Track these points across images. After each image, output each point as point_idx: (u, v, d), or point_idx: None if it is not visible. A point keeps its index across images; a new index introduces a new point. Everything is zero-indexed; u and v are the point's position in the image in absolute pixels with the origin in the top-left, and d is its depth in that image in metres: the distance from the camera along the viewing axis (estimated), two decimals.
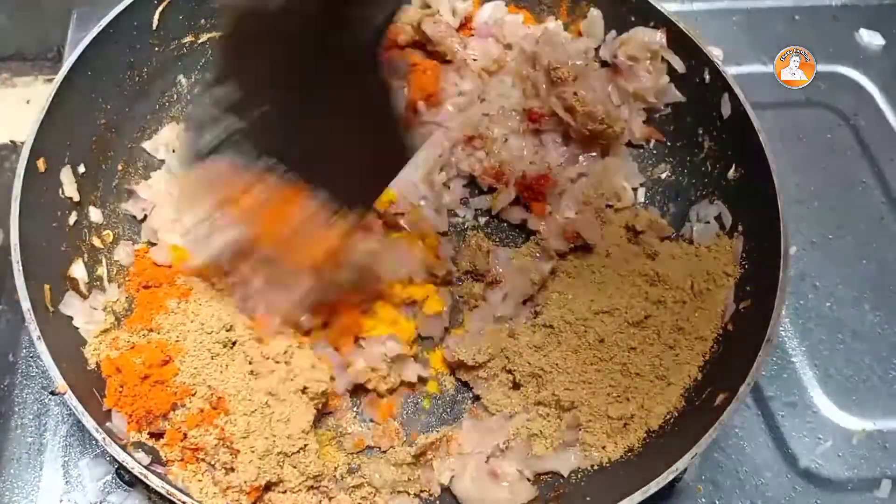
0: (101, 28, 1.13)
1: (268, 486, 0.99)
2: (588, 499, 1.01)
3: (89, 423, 0.91)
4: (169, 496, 0.91)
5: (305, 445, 1.00)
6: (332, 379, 1.07)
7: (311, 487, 1.01)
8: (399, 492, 1.04)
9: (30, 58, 1.59)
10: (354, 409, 1.13)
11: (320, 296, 1.05)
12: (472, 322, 1.17)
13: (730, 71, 1.20)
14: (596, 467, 1.05)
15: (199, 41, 1.30)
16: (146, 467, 0.92)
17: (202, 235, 1.00)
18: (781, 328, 1.24)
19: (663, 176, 1.31)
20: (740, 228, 1.16)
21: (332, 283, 1.04)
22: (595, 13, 1.31)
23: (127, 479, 1.04)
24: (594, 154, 1.29)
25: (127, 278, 1.13)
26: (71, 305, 1.05)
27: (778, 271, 1.03)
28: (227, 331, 1.04)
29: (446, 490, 1.06)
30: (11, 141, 1.42)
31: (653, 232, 1.22)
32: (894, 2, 1.61)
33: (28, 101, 1.51)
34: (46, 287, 1.02)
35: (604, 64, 1.30)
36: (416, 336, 1.16)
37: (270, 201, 0.92)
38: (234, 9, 0.84)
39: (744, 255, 1.14)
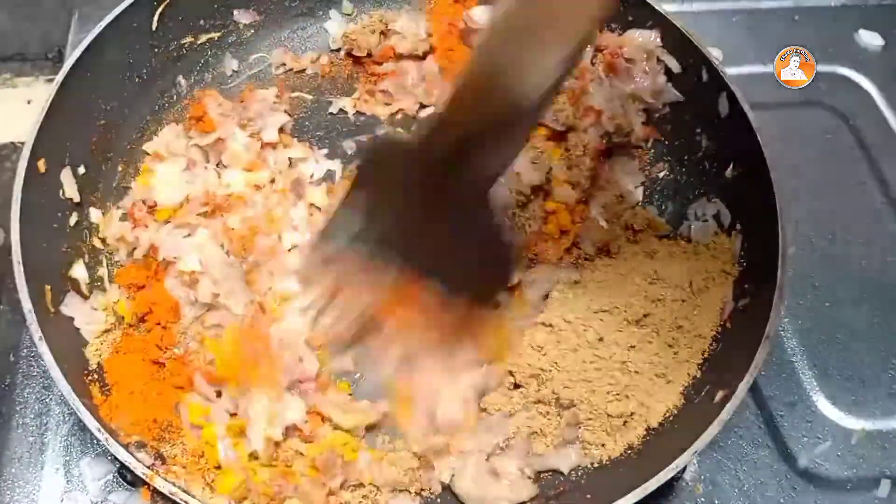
0: (100, 29, 1.14)
1: None
2: (588, 496, 1.01)
3: (91, 423, 0.92)
4: (172, 496, 0.91)
5: None
6: None
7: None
8: (400, 490, 1.04)
9: (31, 58, 1.59)
10: None
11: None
12: None
13: (730, 71, 1.19)
14: (596, 465, 1.06)
15: (199, 42, 1.31)
16: (149, 467, 0.93)
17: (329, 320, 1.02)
18: (781, 328, 1.24)
19: (661, 175, 1.31)
20: (738, 227, 1.16)
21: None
22: None
23: (129, 478, 1.04)
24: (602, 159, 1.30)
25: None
26: (72, 306, 1.05)
27: (776, 269, 1.03)
28: None
29: (447, 488, 1.06)
30: (13, 142, 1.42)
31: (651, 230, 1.22)
32: (894, 2, 1.61)
33: (29, 102, 1.51)
34: (47, 288, 1.02)
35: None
36: None
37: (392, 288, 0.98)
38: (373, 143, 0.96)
39: (742, 254, 1.14)
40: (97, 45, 1.13)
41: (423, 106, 1.35)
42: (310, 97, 1.35)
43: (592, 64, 1.30)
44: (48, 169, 1.06)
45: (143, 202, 1.14)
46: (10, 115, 1.48)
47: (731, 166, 1.19)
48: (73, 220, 1.12)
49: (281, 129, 1.27)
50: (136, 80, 1.23)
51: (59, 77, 1.09)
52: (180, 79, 1.30)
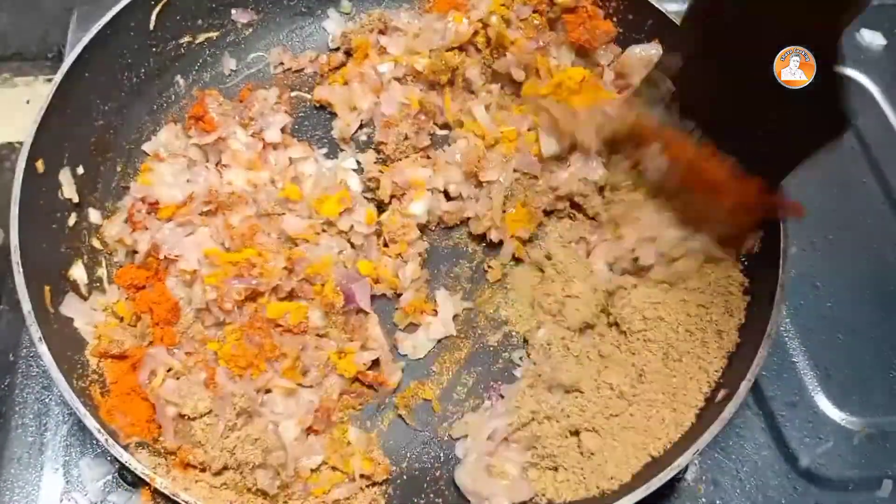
0: (98, 29, 1.14)
1: None
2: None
3: (91, 424, 0.92)
4: (173, 496, 0.91)
5: None
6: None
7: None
8: None
9: (30, 58, 1.59)
10: None
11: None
12: None
13: None
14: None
15: (197, 41, 1.30)
16: (149, 467, 0.93)
17: None
18: (782, 328, 1.23)
19: None
20: None
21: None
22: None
23: (129, 479, 1.04)
24: None
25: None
26: (71, 306, 1.05)
27: (778, 268, 1.03)
28: None
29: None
30: (12, 142, 1.42)
31: None
32: (895, 2, 1.60)
33: (28, 101, 1.51)
34: (46, 288, 1.02)
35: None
36: None
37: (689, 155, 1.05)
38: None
39: (744, 255, 1.14)
40: (95, 44, 1.13)
41: None
42: (309, 96, 1.35)
43: None
44: (47, 169, 1.06)
45: (143, 201, 1.14)
46: (10, 115, 1.48)
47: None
48: (72, 220, 1.12)
49: (282, 129, 1.27)
50: (135, 79, 1.23)
51: (58, 77, 1.09)
52: (178, 78, 1.30)
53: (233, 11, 1.33)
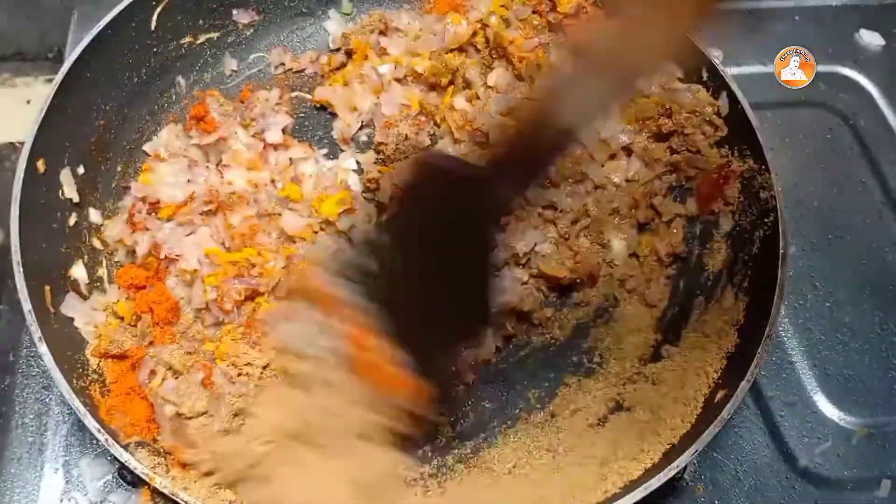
0: (99, 29, 1.13)
1: None
2: None
3: (91, 424, 0.92)
4: (172, 496, 0.91)
5: None
6: None
7: None
8: None
9: (30, 58, 1.59)
10: None
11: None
12: None
13: (730, 71, 1.19)
14: None
15: (198, 42, 1.30)
16: (148, 467, 0.93)
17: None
18: (781, 328, 1.24)
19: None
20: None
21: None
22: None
23: (129, 479, 1.04)
24: None
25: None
26: (71, 306, 1.05)
27: (777, 268, 1.03)
28: None
29: None
30: (12, 142, 1.42)
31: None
32: (894, 2, 1.61)
33: (28, 101, 1.51)
34: (47, 288, 1.02)
35: None
36: None
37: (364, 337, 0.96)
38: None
39: (744, 254, 1.14)
40: (96, 44, 1.13)
41: None
42: (309, 97, 1.35)
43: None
44: (48, 169, 1.06)
45: (144, 201, 1.14)
46: (10, 115, 1.48)
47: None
48: (72, 220, 1.12)
49: (283, 130, 1.27)
50: (136, 79, 1.23)
51: (59, 77, 1.09)
52: (179, 79, 1.29)
53: (234, 12, 1.33)
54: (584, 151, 1.23)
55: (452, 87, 1.29)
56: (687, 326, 1.15)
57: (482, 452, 1.08)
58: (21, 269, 0.97)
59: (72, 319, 1.05)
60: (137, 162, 1.23)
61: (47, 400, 1.10)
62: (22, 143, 1.04)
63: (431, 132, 1.29)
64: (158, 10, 1.21)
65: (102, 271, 1.14)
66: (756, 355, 0.98)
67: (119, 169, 1.21)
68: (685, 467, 1.04)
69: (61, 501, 1.04)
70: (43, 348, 0.94)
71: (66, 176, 1.11)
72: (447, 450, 1.09)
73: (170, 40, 1.26)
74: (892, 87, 1.48)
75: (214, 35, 1.32)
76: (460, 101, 1.27)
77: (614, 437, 1.05)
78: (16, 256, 0.98)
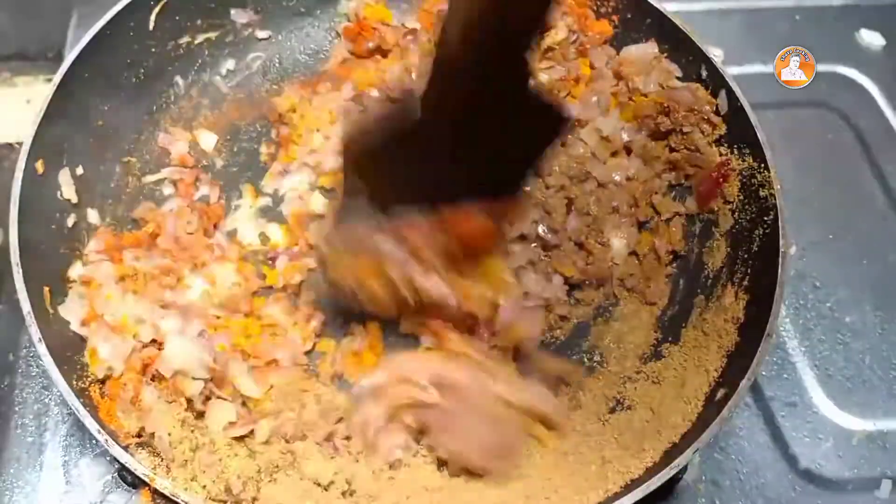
0: (97, 29, 1.14)
1: None
2: None
3: (91, 424, 0.92)
4: (173, 497, 0.91)
5: None
6: None
7: None
8: None
9: (30, 57, 1.59)
10: None
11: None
12: None
13: (730, 71, 1.19)
14: None
15: (196, 42, 1.30)
16: (149, 468, 0.93)
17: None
18: (782, 328, 1.23)
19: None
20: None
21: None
22: None
23: (129, 479, 1.04)
24: None
25: None
26: (70, 310, 1.04)
27: (777, 268, 1.03)
28: None
29: None
30: (11, 142, 1.42)
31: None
32: (895, 2, 1.60)
33: (28, 101, 1.51)
34: (46, 289, 1.02)
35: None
36: None
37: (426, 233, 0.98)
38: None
39: (744, 252, 1.14)
40: (95, 44, 1.13)
41: None
42: None
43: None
44: (46, 170, 1.06)
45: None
46: (9, 115, 1.48)
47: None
48: (71, 220, 1.12)
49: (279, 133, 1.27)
50: (134, 80, 1.23)
51: (57, 77, 1.09)
52: (178, 79, 1.29)
53: (232, 12, 1.32)
54: (587, 149, 1.23)
55: None
56: (687, 325, 1.15)
57: None
58: (20, 270, 0.97)
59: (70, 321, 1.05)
60: (136, 163, 1.23)
61: (47, 400, 1.10)
62: (21, 144, 1.04)
63: None
64: (157, 10, 1.21)
65: None
66: (757, 353, 0.97)
67: (118, 170, 1.21)
68: (686, 466, 1.05)
69: (61, 501, 1.04)
70: (42, 349, 0.94)
71: (64, 176, 1.11)
72: None
73: (168, 40, 1.26)
74: (892, 87, 1.48)
75: (213, 35, 1.32)
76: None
77: (615, 436, 1.05)
78: (14, 257, 0.97)
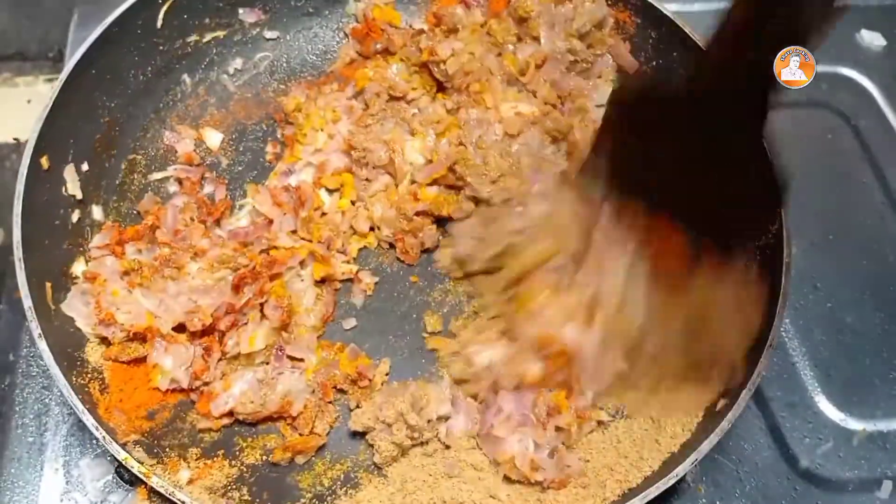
0: (105, 27, 1.14)
1: None
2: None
3: (90, 421, 0.91)
4: (169, 495, 0.91)
5: None
6: None
7: None
8: None
9: (31, 57, 1.59)
10: None
11: None
12: None
13: None
14: None
15: (204, 40, 1.31)
16: (145, 466, 0.92)
17: None
18: (782, 329, 1.24)
19: None
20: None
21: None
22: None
23: (127, 478, 1.03)
24: None
25: None
26: (73, 307, 1.04)
27: (781, 276, 1.03)
28: None
29: None
30: (15, 139, 1.42)
31: None
32: (895, 2, 1.61)
33: (29, 101, 1.51)
34: (48, 285, 1.02)
35: None
36: None
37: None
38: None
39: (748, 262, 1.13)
40: (102, 41, 1.13)
41: None
42: None
43: None
44: (51, 166, 1.06)
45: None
46: (11, 115, 1.48)
47: None
48: (75, 217, 1.12)
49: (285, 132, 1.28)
50: (141, 77, 1.23)
51: (64, 73, 1.09)
52: (185, 77, 1.30)
53: (240, 11, 1.33)
54: None
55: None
56: None
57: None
58: (22, 266, 0.97)
59: (72, 318, 1.04)
60: (141, 159, 1.23)
61: (47, 400, 1.10)
62: (23, 143, 1.04)
63: None
64: (165, 8, 1.22)
65: None
66: (758, 364, 0.98)
67: (123, 166, 1.21)
68: None
69: (61, 501, 1.03)
70: (42, 345, 0.94)
71: (69, 172, 1.10)
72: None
73: (176, 39, 1.26)
74: (892, 88, 1.49)
75: (221, 34, 1.32)
76: None
77: (614, 444, 1.05)
78: (17, 252, 0.97)
